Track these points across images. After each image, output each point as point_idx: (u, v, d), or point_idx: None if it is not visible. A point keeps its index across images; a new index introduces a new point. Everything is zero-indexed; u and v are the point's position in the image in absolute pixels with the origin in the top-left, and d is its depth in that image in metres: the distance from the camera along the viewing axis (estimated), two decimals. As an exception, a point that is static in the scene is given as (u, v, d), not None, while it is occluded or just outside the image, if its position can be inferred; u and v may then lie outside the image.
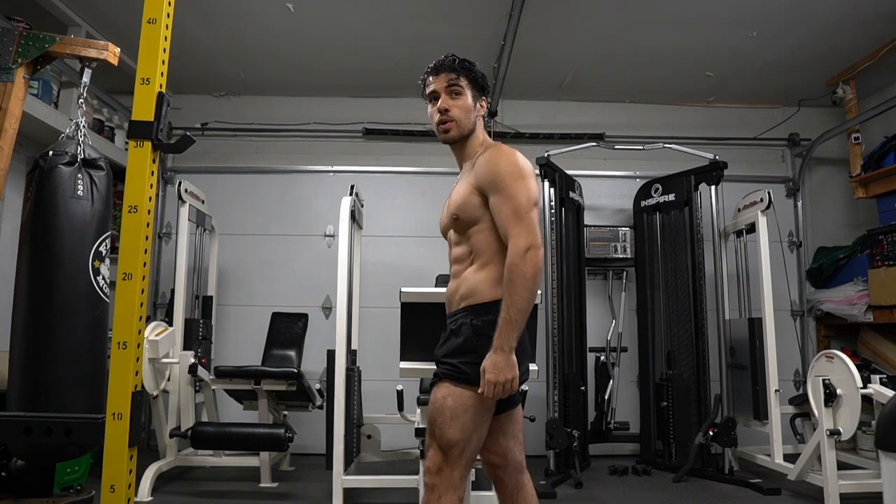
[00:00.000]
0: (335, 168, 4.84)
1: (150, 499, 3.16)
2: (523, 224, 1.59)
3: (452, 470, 1.59)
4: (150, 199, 1.76)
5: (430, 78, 1.79)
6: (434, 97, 1.79)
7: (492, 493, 1.82)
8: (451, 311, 1.74)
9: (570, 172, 4.35)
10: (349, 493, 3.08)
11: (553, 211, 4.03)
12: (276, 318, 4.19)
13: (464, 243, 1.73)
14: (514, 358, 1.55)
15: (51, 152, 2.02)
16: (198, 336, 3.88)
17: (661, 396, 4.11)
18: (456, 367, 1.62)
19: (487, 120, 4.74)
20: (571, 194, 4.23)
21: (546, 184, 4.03)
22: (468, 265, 1.71)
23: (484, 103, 1.83)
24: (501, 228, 1.62)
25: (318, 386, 3.81)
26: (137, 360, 1.68)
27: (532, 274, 1.55)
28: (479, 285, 1.67)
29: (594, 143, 4.52)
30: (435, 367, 1.70)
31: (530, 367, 2.31)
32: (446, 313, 1.77)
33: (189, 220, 3.83)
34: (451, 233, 1.79)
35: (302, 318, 4.17)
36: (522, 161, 1.68)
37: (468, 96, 1.77)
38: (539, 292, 2.37)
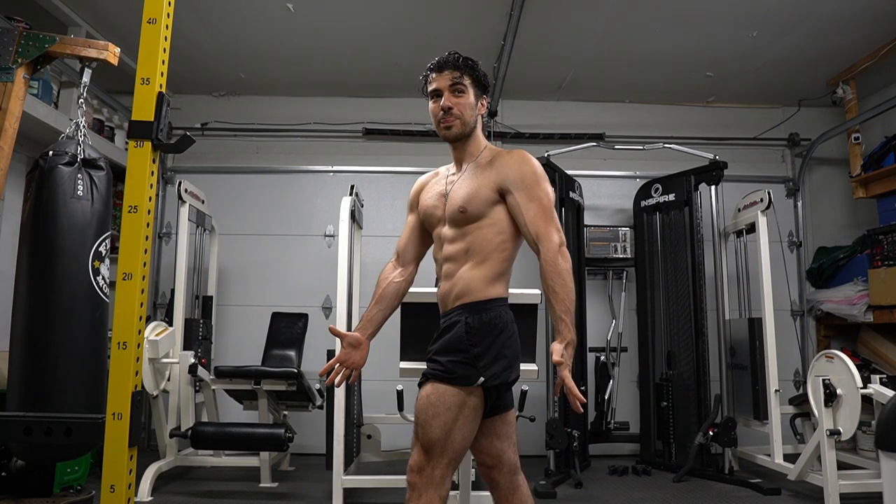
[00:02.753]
0: (335, 168, 4.84)
1: (150, 499, 3.17)
2: (553, 223, 1.66)
3: (434, 469, 1.59)
4: (150, 199, 1.76)
5: (433, 75, 1.78)
6: (436, 94, 1.78)
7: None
8: (445, 311, 1.74)
9: (570, 172, 4.35)
10: (349, 493, 3.09)
11: (553, 211, 4.02)
12: (276, 318, 4.19)
13: (459, 240, 1.72)
14: None
15: (51, 152, 2.02)
16: (198, 336, 3.88)
17: (661, 396, 4.11)
18: (443, 365, 1.62)
19: (487, 120, 4.74)
20: (571, 194, 4.23)
21: (546, 184, 4.02)
22: (462, 263, 1.71)
23: (485, 102, 1.83)
24: (529, 226, 1.66)
25: (318, 386, 3.81)
26: (137, 360, 1.68)
27: (570, 267, 1.63)
28: (474, 283, 1.67)
29: (594, 143, 4.52)
30: (426, 365, 1.70)
31: (530, 367, 2.32)
32: (440, 313, 1.77)
33: (189, 220, 3.83)
34: (445, 229, 1.76)
35: (302, 318, 4.17)
36: (539, 163, 1.76)
37: (471, 95, 1.77)
38: (538, 292, 2.38)
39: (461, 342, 1.62)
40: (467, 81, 1.77)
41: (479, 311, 1.64)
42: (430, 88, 1.79)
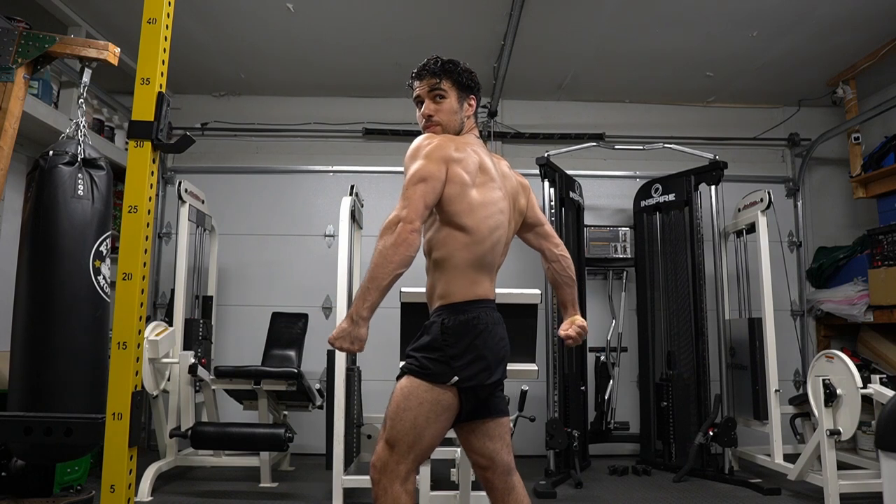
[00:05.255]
0: (335, 168, 4.84)
1: (150, 499, 3.17)
2: (402, 198, 1.59)
3: (398, 464, 1.59)
4: (150, 199, 1.76)
5: (416, 83, 1.81)
6: (419, 101, 1.81)
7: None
8: (430, 310, 1.76)
9: (570, 172, 4.35)
10: (349, 493, 3.09)
11: (553, 211, 4.03)
12: (276, 318, 4.19)
13: (425, 240, 1.74)
14: (362, 330, 1.57)
15: (51, 152, 2.02)
16: (198, 336, 3.88)
17: (661, 396, 4.11)
18: (419, 361, 1.63)
19: (487, 120, 4.74)
20: (571, 194, 4.23)
21: (546, 184, 4.03)
22: (430, 262, 1.73)
23: (473, 101, 1.82)
24: None
25: (318, 386, 3.81)
26: (137, 360, 1.68)
27: (389, 244, 1.53)
28: (449, 285, 1.67)
29: (594, 143, 4.52)
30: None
31: (530, 367, 2.32)
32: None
33: (189, 220, 3.83)
34: None
35: (302, 318, 4.17)
36: (423, 143, 1.68)
37: (452, 98, 1.78)
38: (538, 292, 2.38)
39: (437, 342, 1.62)
40: (447, 86, 1.77)
41: (458, 312, 1.64)
42: (413, 96, 1.83)
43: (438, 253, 1.69)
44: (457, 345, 1.60)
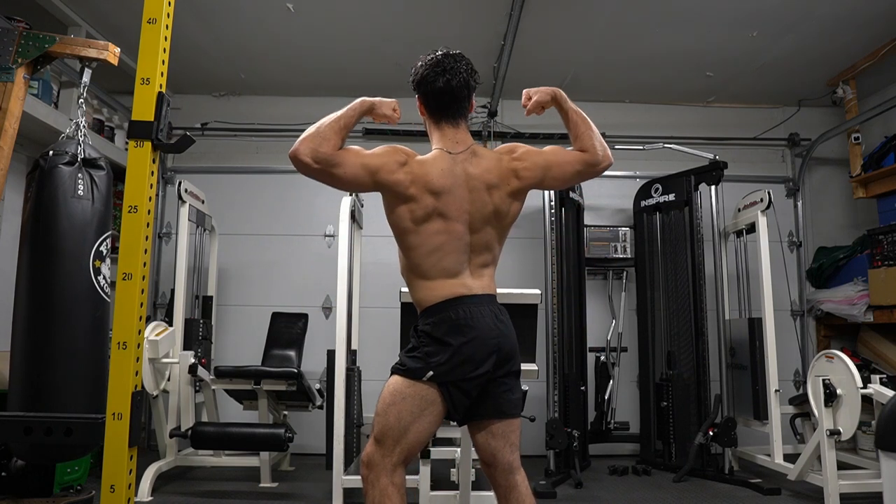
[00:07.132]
0: (335, 168, 4.82)
1: (150, 499, 3.17)
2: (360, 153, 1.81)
3: (384, 458, 1.64)
4: (150, 199, 1.76)
5: None
6: None
7: (492, 493, 1.82)
8: None
9: (570, 172, 4.34)
10: (349, 493, 3.08)
11: (553, 211, 4.03)
12: (276, 318, 4.19)
13: None
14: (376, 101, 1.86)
15: (51, 152, 2.02)
16: (198, 336, 3.88)
17: (661, 396, 4.11)
18: (401, 360, 1.71)
19: (487, 120, 4.75)
20: (571, 194, 4.23)
21: (546, 184, 4.03)
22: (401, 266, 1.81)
23: (419, 101, 1.85)
24: None
25: (318, 386, 3.81)
26: (137, 360, 1.69)
27: (307, 137, 1.84)
28: (414, 294, 1.75)
29: (594, 143, 4.51)
30: None
31: (530, 367, 2.31)
32: None
33: (189, 220, 3.83)
34: None
35: (302, 318, 4.17)
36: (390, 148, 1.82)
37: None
38: (538, 292, 2.39)
39: (415, 343, 1.70)
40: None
41: (428, 316, 1.70)
42: None
43: (400, 265, 1.81)
44: (431, 344, 1.66)
